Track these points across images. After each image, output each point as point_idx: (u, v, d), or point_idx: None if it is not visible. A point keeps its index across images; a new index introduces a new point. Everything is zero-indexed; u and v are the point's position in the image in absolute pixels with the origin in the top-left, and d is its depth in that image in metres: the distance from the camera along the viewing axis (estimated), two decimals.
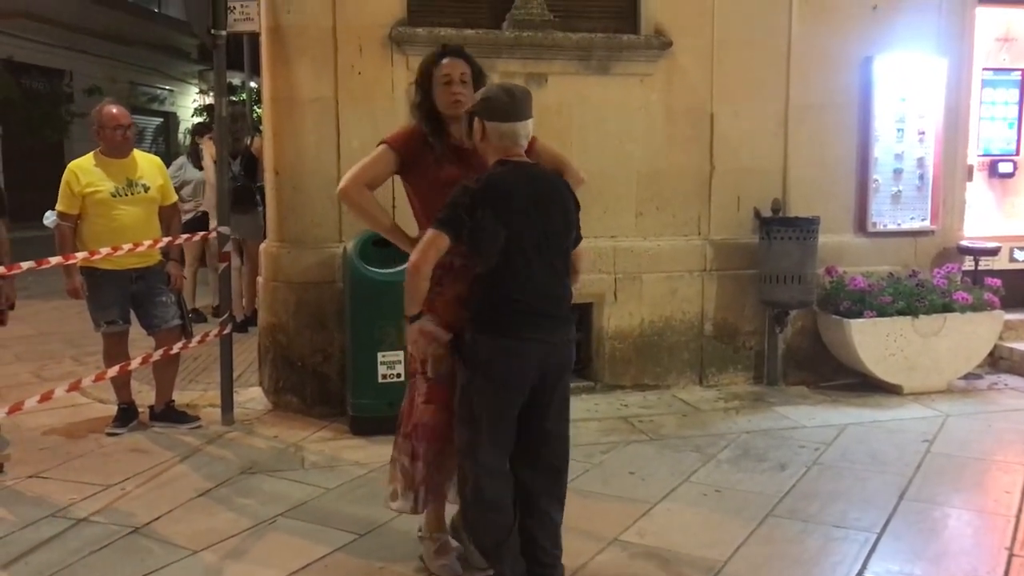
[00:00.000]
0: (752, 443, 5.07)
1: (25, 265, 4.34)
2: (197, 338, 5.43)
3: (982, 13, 6.66)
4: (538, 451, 3.24)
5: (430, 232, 3.09)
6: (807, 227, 5.91)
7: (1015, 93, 7.08)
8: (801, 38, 6.17)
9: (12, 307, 4.83)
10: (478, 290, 3.16)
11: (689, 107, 6.07)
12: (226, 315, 5.47)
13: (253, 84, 12.65)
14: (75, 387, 4.72)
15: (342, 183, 3.44)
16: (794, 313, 6.17)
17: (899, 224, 6.47)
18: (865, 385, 6.11)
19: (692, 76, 6.04)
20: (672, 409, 5.76)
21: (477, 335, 3.12)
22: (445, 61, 3.42)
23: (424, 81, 3.45)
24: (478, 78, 3.44)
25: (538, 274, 3.12)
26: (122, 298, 5.17)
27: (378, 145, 3.47)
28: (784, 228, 5.93)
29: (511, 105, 3.11)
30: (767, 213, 6.09)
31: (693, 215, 6.15)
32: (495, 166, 3.15)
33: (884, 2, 6.29)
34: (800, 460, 4.79)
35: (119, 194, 5.10)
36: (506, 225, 3.05)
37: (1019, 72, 7.08)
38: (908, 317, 5.88)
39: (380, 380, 5.12)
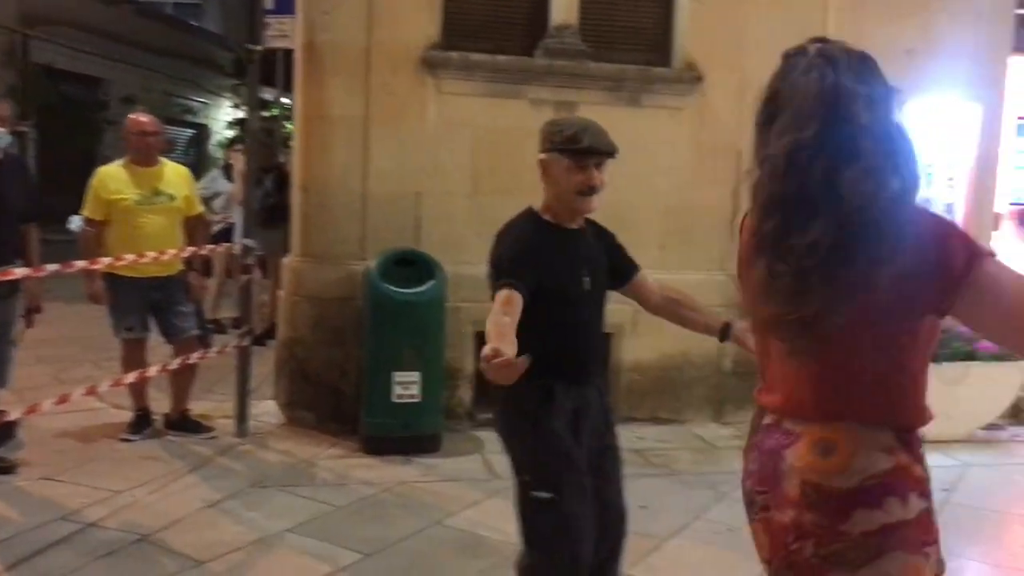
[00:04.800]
0: None
1: (51, 267, 4.38)
2: (215, 349, 5.44)
3: (1016, 61, 6.62)
4: None
5: None
6: None
7: None
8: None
9: (39, 310, 4.85)
10: None
11: (718, 143, 6.06)
12: (245, 328, 5.49)
13: (285, 100, 12.79)
14: (92, 391, 4.75)
15: None
16: None
17: None
18: None
19: (722, 112, 6.03)
20: (688, 444, 5.70)
21: None
22: None
23: None
24: None
25: None
26: (142, 306, 5.20)
27: None
28: None
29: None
30: None
31: (717, 251, 6.12)
32: None
33: (920, 46, 6.26)
34: None
35: (144, 202, 5.15)
36: None
37: None
38: (931, 364, 5.79)
39: (395, 400, 5.11)
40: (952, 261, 1.61)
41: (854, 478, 1.68)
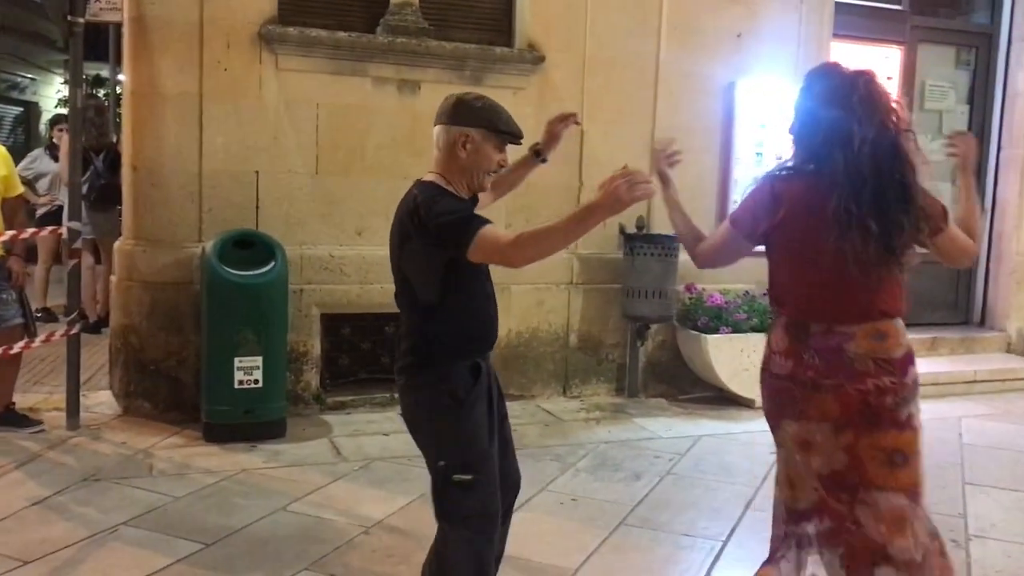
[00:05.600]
0: (610, 453, 5.17)
1: None
2: (42, 337, 5.15)
3: (836, 47, 7.00)
4: None
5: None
6: (669, 244, 6.08)
7: None
8: (669, 61, 6.36)
9: None
10: None
11: None
12: (74, 314, 5.21)
13: (121, 77, 12.18)
14: None
15: None
16: (655, 327, 6.33)
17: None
18: (721, 399, 6.32)
19: (564, 93, 6.13)
20: (536, 419, 5.81)
21: None
22: None
23: None
24: None
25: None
26: None
27: None
28: (647, 245, 6.09)
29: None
30: (632, 230, 6.23)
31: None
32: None
33: (748, 29, 6.55)
34: (655, 470, 4.90)
35: None
36: None
37: None
38: (761, 334, 6.11)
39: (236, 386, 4.97)
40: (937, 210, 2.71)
41: (901, 350, 2.72)
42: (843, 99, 2.65)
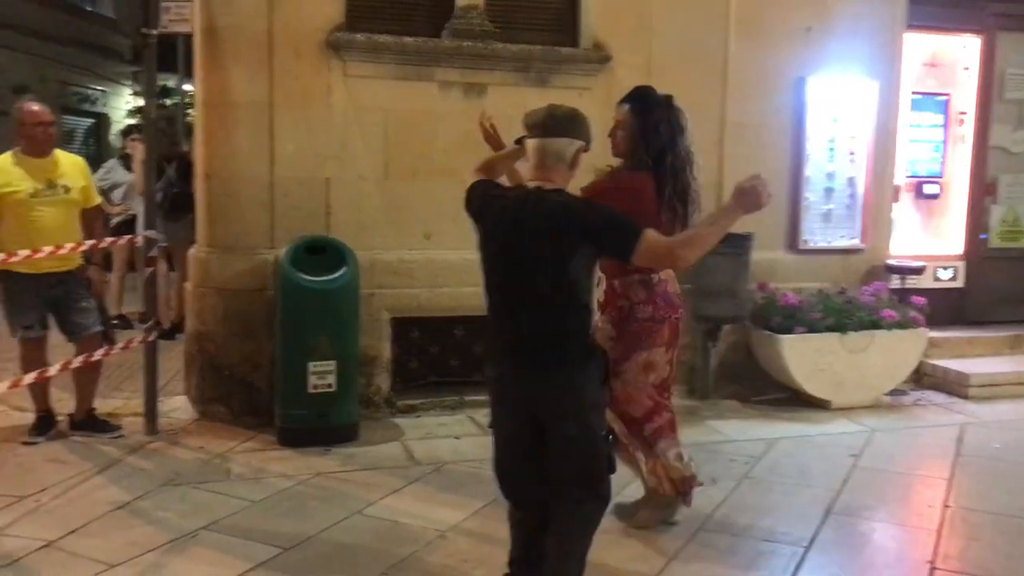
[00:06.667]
0: None
1: None
2: (120, 345, 5.26)
3: (910, 39, 6.83)
4: (551, 471, 3.10)
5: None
6: (741, 243, 5.97)
7: (941, 117, 7.26)
8: (737, 57, 6.26)
9: None
10: None
11: None
12: (151, 322, 5.31)
13: (188, 87, 12.43)
14: None
15: None
16: (727, 328, 6.22)
17: (829, 242, 6.60)
18: (795, 400, 6.19)
19: None
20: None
21: None
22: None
23: None
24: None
25: (502, 308, 3.04)
26: (40, 303, 4.99)
27: None
28: (718, 244, 5.97)
29: (542, 120, 3.04)
30: None
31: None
32: (516, 187, 3.20)
33: (817, 24, 6.41)
34: (731, 474, 4.82)
35: (38, 195, 4.92)
36: (483, 248, 3.07)
37: (945, 96, 7.27)
38: (837, 334, 5.98)
39: (310, 390, 5.01)
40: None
41: None
42: (672, 119, 3.83)
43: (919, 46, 7.09)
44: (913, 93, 7.09)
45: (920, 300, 6.34)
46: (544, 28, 6.02)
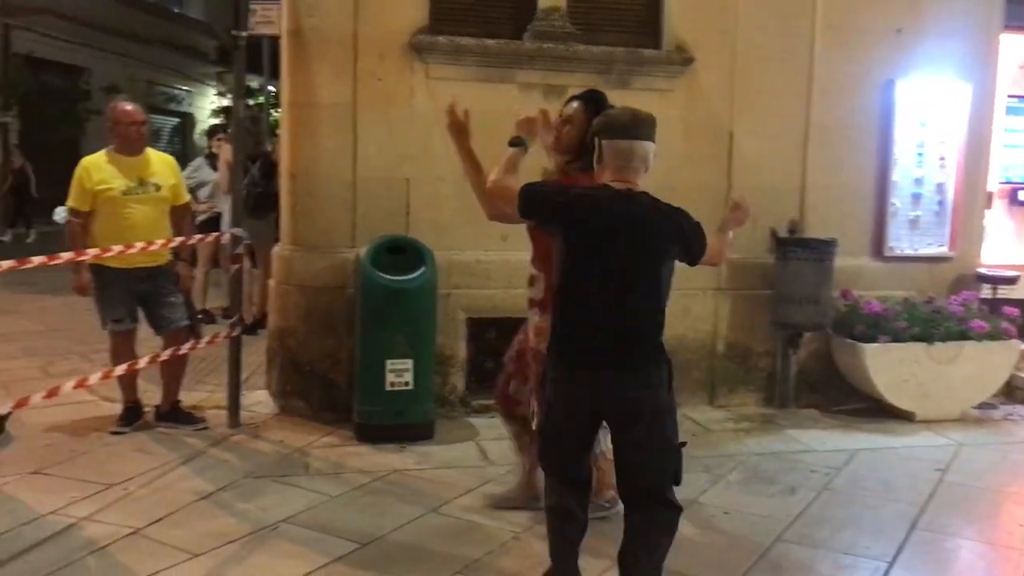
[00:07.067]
0: (762, 465, 5.01)
1: (36, 260, 4.30)
2: (206, 339, 5.40)
3: (1006, 39, 6.60)
4: (623, 478, 3.15)
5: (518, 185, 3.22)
6: (823, 249, 5.85)
7: None
8: (823, 58, 6.13)
9: None
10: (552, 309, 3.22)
11: (708, 125, 6.02)
12: (235, 317, 5.44)
13: (271, 88, 12.68)
14: (82, 384, 4.68)
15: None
16: (808, 336, 6.10)
17: (916, 249, 6.41)
18: (877, 410, 6.03)
19: (712, 94, 6.00)
20: (682, 428, 5.64)
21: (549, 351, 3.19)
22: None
23: None
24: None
25: (600, 306, 3.02)
26: (130, 297, 5.15)
27: None
28: (800, 249, 5.88)
29: (630, 123, 3.09)
30: (783, 233, 6.03)
31: (709, 232, 6.07)
32: (598, 187, 3.10)
33: (909, 25, 6.24)
34: (810, 485, 4.72)
35: (130, 192, 5.08)
36: (575, 245, 3.04)
37: None
38: (923, 344, 5.81)
39: (388, 388, 5.07)
40: None
41: None
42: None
43: (1016, 47, 6.84)
44: (1008, 96, 6.85)
45: (1013, 311, 6.11)
46: (626, 30, 5.98)
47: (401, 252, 5.27)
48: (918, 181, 6.37)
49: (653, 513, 3.07)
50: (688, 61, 5.90)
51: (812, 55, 6.13)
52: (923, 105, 6.29)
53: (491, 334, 5.92)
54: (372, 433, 5.12)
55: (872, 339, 5.80)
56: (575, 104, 3.93)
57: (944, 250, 6.45)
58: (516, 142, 3.44)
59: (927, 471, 4.99)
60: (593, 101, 3.89)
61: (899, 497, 4.58)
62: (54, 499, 4.16)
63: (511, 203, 3.19)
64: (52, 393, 4.45)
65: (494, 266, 5.77)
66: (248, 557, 3.69)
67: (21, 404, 4.30)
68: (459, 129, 3.63)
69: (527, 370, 4.02)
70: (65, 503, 4.12)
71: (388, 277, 5.09)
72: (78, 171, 5.09)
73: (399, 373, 5.07)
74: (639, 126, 3.08)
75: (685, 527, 4.07)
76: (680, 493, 4.48)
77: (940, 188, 6.42)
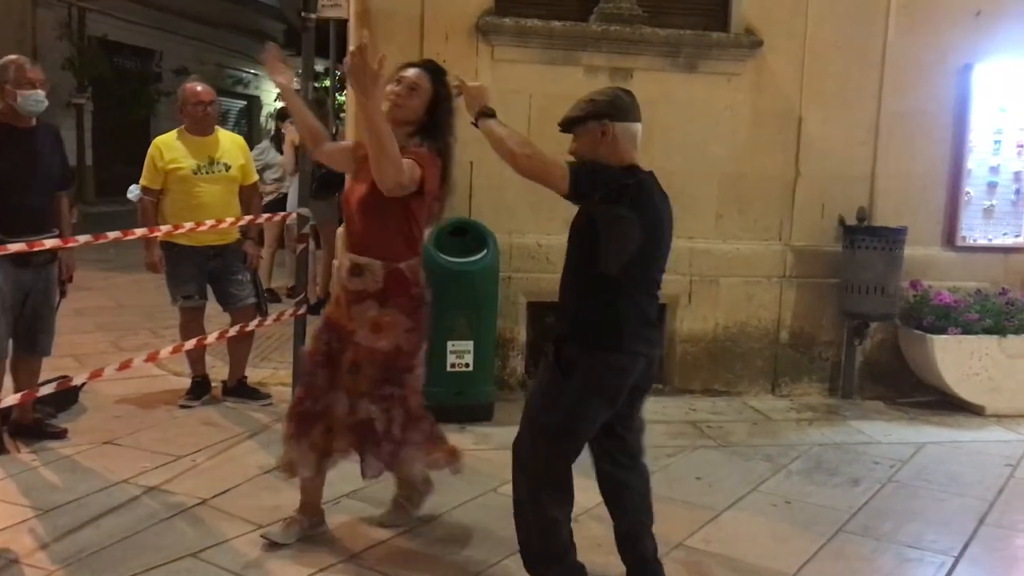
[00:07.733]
0: (824, 456, 4.94)
1: (111, 235, 4.40)
2: (272, 317, 5.49)
3: None
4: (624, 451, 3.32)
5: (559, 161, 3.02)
6: (893, 237, 5.73)
7: None
8: (896, 42, 5.98)
9: (71, 279, 4.88)
10: (595, 296, 3.05)
11: (777, 110, 5.93)
12: (300, 296, 5.52)
13: (337, 72, 12.80)
14: (152, 358, 4.78)
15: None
16: (874, 326, 5.99)
17: (990, 239, 6.23)
18: (945, 404, 5.89)
19: (781, 78, 5.90)
20: (743, 416, 5.64)
21: (591, 349, 3.04)
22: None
23: None
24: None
25: (650, 293, 3.14)
26: (199, 274, 5.26)
27: None
28: (869, 238, 5.76)
29: (633, 105, 3.10)
30: (852, 221, 5.92)
31: (775, 220, 6.01)
32: (628, 171, 3.00)
33: (988, 7, 6.04)
34: (874, 476, 4.64)
35: (200, 171, 5.18)
36: (645, 235, 2.99)
37: None
38: (995, 336, 5.66)
39: (448, 369, 5.11)
40: None
41: None
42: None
43: None
44: None
45: None
46: (693, 12, 5.91)
47: (464, 234, 5.30)
48: (994, 169, 6.19)
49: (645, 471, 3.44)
50: (757, 44, 5.81)
51: (885, 39, 5.98)
52: (1002, 90, 6.10)
53: (550, 319, 5.90)
54: (432, 413, 5.14)
55: (941, 331, 5.67)
56: (415, 71, 3.51)
57: (1020, 240, 6.26)
58: (488, 112, 3.29)
59: (996, 466, 4.87)
60: (435, 70, 3.55)
61: (967, 491, 4.48)
62: (125, 468, 4.29)
63: (551, 177, 3.00)
64: (124, 365, 4.57)
65: (554, 250, 5.75)
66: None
67: (95, 376, 4.43)
68: (372, 78, 3.08)
69: None
70: (135, 472, 4.24)
71: (450, 259, 5.12)
72: (151, 150, 5.21)
73: (460, 354, 5.10)
74: (638, 107, 3.11)
75: (746, 514, 4.08)
76: (741, 481, 4.49)
77: (1017, 176, 6.22)
